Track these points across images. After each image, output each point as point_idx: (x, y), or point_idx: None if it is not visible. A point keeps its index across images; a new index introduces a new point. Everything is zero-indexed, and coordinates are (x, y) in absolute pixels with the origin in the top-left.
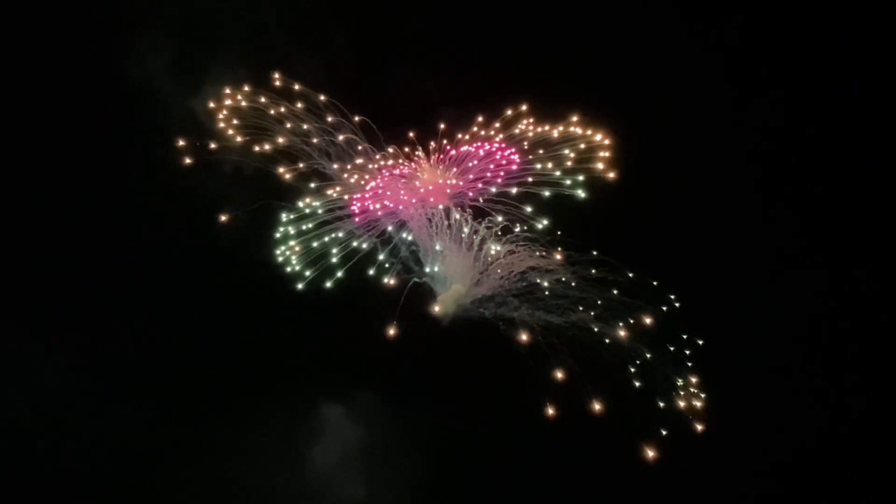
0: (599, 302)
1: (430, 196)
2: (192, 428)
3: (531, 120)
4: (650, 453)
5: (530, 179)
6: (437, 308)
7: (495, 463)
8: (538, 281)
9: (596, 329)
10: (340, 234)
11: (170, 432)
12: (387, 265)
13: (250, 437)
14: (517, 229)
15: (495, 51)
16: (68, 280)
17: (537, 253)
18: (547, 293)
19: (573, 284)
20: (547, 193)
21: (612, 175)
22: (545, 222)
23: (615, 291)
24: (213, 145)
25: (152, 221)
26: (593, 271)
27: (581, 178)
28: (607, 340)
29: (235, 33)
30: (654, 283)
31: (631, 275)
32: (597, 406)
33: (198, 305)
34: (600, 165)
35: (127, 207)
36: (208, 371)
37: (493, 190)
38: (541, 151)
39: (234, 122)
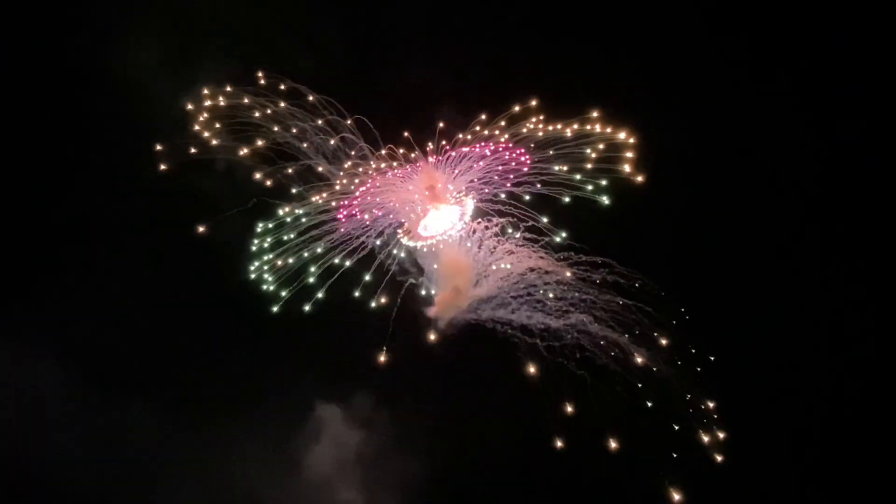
0: (605, 311)
1: (428, 202)
2: (187, 432)
3: (541, 117)
4: (675, 497)
5: (539, 186)
6: (433, 310)
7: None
8: (542, 292)
9: (602, 343)
10: (319, 250)
11: (165, 438)
12: (386, 263)
13: (245, 441)
14: (518, 234)
15: (502, 39)
16: (55, 288)
17: (541, 258)
18: (552, 303)
19: (576, 294)
20: (567, 199)
21: (640, 178)
22: (563, 235)
23: (620, 301)
24: (193, 150)
25: (138, 225)
26: (597, 280)
27: (604, 182)
28: (613, 353)
29: (224, 28)
30: (662, 293)
31: (637, 284)
32: (613, 444)
33: (188, 307)
34: (627, 167)
35: (112, 211)
36: (203, 373)
37: (503, 196)
38: (551, 152)
39: (217, 125)
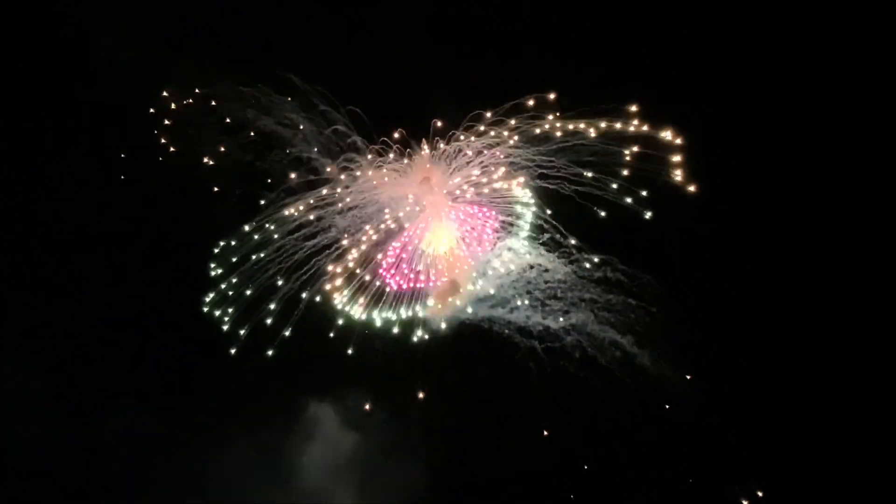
0: (608, 312)
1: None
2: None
3: (557, 114)
4: None
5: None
6: (429, 309)
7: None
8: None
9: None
10: (280, 283)
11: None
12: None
13: (240, 444)
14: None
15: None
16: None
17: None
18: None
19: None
20: (602, 214)
21: (692, 188)
22: (596, 259)
23: (617, 295)
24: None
25: (128, 226)
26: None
27: (645, 192)
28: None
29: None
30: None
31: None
32: None
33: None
34: (678, 175)
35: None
36: (197, 373)
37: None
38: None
39: (203, 123)
